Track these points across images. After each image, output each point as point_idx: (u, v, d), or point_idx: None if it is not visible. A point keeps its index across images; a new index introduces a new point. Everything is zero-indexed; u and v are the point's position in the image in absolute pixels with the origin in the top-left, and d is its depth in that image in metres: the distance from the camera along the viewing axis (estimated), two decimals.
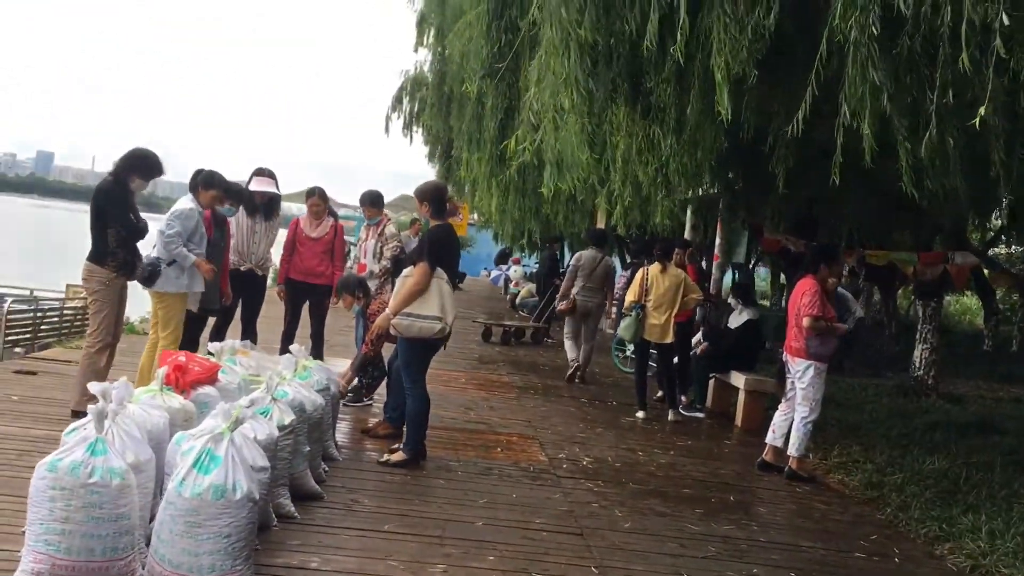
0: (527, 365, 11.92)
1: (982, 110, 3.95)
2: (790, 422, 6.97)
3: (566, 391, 10.02)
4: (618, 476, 6.46)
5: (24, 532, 3.49)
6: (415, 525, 4.82)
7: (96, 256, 6.12)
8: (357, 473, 5.69)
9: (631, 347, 11.59)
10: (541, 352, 13.49)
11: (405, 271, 5.97)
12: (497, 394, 9.31)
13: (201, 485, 3.55)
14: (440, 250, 5.92)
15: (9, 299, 10.88)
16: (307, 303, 8.28)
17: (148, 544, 3.64)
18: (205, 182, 6.64)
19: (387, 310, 5.97)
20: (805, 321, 6.77)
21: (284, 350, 7.22)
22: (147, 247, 6.39)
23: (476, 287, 28.98)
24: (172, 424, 4.24)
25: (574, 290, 10.60)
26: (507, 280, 24.90)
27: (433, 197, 6.09)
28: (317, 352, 7.84)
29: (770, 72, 5.65)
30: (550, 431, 7.73)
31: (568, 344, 10.89)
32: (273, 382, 4.70)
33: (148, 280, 6.22)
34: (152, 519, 3.73)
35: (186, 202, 6.55)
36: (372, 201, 8.21)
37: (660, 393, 9.43)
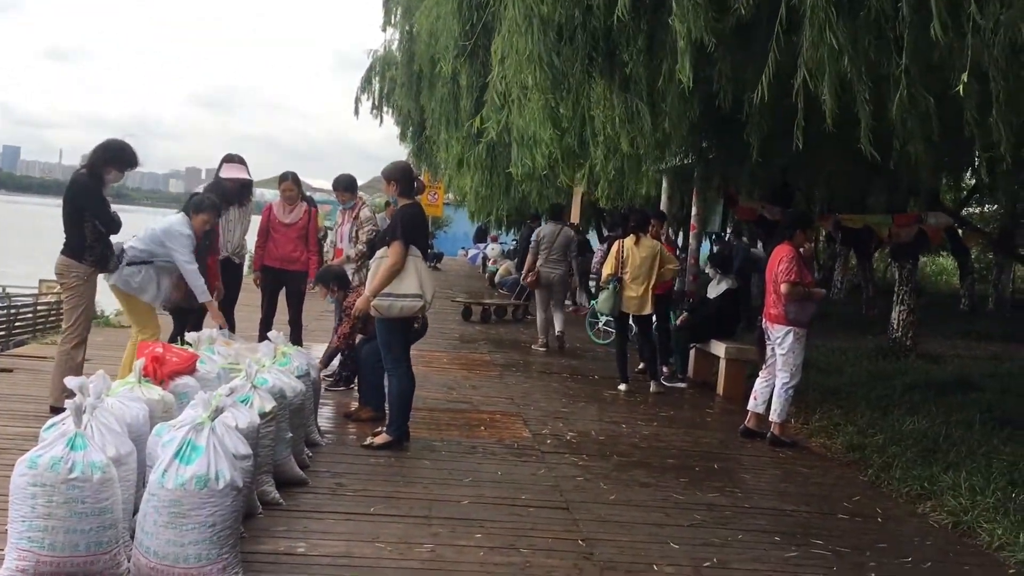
0: (508, 343, 11.93)
1: (964, 76, 3.96)
2: (771, 388, 7.03)
3: (548, 368, 10.04)
4: (602, 449, 6.49)
5: (7, 530, 3.46)
6: (401, 506, 4.83)
7: (72, 251, 6.03)
8: (341, 457, 5.69)
9: (604, 319, 11.73)
10: (522, 330, 13.49)
11: (379, 252, 5.92)
12: (479, 373, 9.31)
13: (184, 475, 3.53)
14: (413, 229, 5.89)
15: None
16: (284, 290, 8.23)
17: (133, 537, 3.62)
18: (196, 207, 6.51)
19: (365, 292, 5.93)
20: (783, 287, 6.81)
21: (262, 337, 7.17)
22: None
23: (454, 266, 28.95)
24: (152, 416, 4.21)
25: (538, 263, 11.10)
26: (485, 258, 24.86)
27: (401, 176, 6.04)
28: (296, 338, 7.81)
29: (741, 40, 5.65)
30: (533, 407, 7.75)
31: (540, 319, 11.35)
32: (252, 370, 4.67)
33: (111, 269, 6.12)
34: (136, 512, 3.71)
35: (183, 227, 6.34)
36: (346, 186, 8.15)
37: (641, 365, 9.47)
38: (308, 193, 8.80)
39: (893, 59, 4.37)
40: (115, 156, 6.14)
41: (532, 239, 11.53)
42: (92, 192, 6.05)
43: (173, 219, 6.43)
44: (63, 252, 6.07)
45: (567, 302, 17.69)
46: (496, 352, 10.91)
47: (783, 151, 7.79)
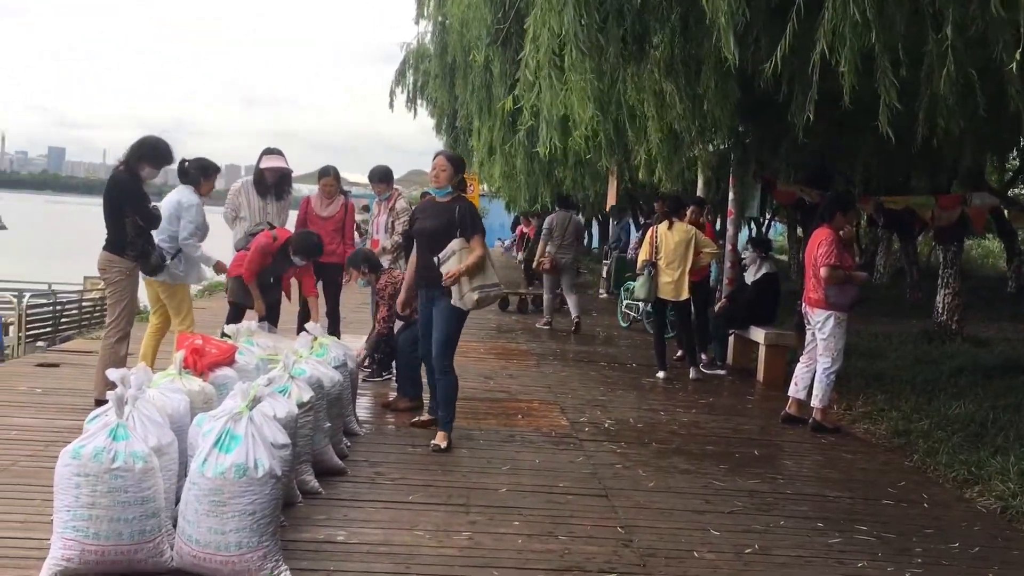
0: (545, 332, 11.90)
1: (1018, 54, 3.84)
2: (812, 374, 6.93)
3: (585, 356, 10.01)
4: (640, 436, 6.45)
5: (53, 520, 3.52)
6: (439, 495, 4.84)
7: (114, 246, 6.11)
8: (379, 447, 5.71)
9: (626, 302, 11.74)
10: (559, 318, 13.45)
11: (454, 245, 5.56)
12: (516, 362, 9.30)
13: (223, 464, 3.56)
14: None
15: (28, 295, 10.93)
16: (320, 282, 8.26)
17: (175, 525, 3.66)
18: (204, 172, 6.68)
19: (465, 289, 5.56)
20: (823, 271, 6.71)
21: (300, 329, 7.24)
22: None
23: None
24: (192, 406, 4.26)
25: (550, 248, 11.88)
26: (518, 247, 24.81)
27: (463, 167, 6.02)
28: (333, 329, 7.84)
29: (778, 19, 5.56)
30: (571, 396, 7.72)
31: (547, 300, 12.32)
32: (290, 360, 4.71)
33: (155, 269, 6.24)
34: (178, 501, 3.75)
35: (190, 195, 6.52)
36: (381, 177, 8.17)
37: (680, 352, 9.40)
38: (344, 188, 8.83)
39: (930, 35, 4.26)
40: (149, 153, 6.20)
41: (544, 227, 12.30)
42: (131, 188, 6.12)
43: (182, 193, 6.57)
44: (105, 248, 6.15)
45: (601, 290, 17.72)
46: (533, 342, 10.90)
47: (821, 133, 7.68)
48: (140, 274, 6.31)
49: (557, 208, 12.55)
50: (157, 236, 6.29)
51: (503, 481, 5.15)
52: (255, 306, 6.85)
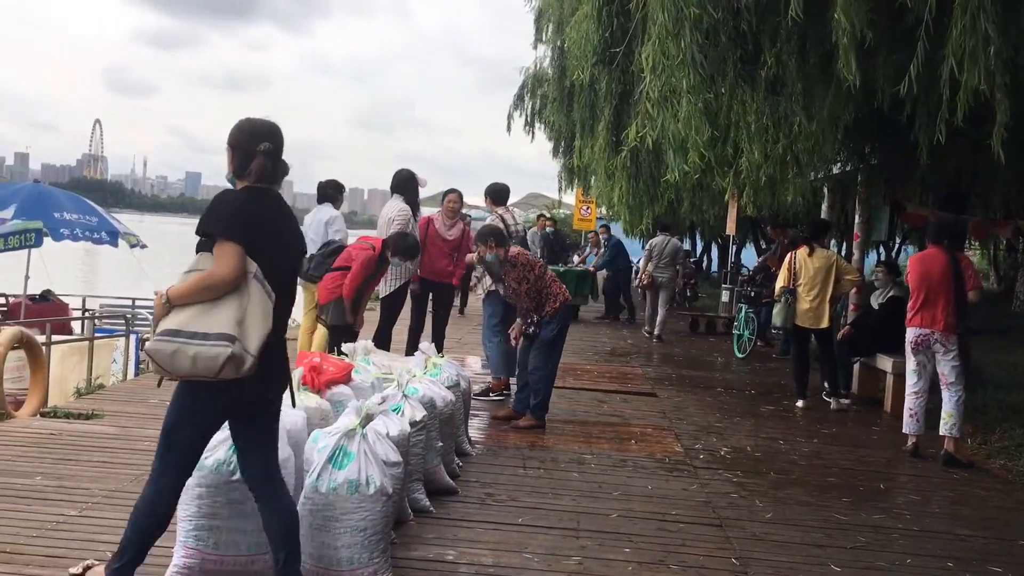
0: (661, 356, 11.74)
1: None
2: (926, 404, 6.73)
3: (702, 382, 9.81)
4: (758, 466, 6.26)
5: (176, 528, 3.66)
6: (549, 518, 4.80)
7: None
8: (490, 467, 5.72)
9: (747, 331, 11.51)
10: (675, 344, 13.27)
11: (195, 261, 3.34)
12: (630, 386, 9.19)
13: (336, 480, 3.63)
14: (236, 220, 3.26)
15: None
16: (431, 303, 8.37)
17: None
18: (337, 189, 8.13)
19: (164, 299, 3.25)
20: (973, 294, 6.51)
21: (412, 349, 7.39)
22: None
23: None
24: (309, 422, 4.36)
25: (649, 268, 13.38)
26: (636, 273, 24.64)
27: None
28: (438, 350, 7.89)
29: (902, 36, 5.36)
30: (685, 422, 7.57)
31: (648, 312, 13.71)
32: (404, 379, 4.78)
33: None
34: None
35: (331, 210, 7.99)
36: (488, 193, 8.27)
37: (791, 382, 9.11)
38: (463, 211, 8.99)
39: None
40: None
41: (645, 248, 13.90)
42: None
43: (324, 210, 8.09)
44: None
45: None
46: (648, 366, 10.76)
47: (955, 152, 7.33)
48: (300, 280, 6.72)
49: (658, 232, 13.85)
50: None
51: (614, 507, 5.08)
52: (356, 322, 6.99)
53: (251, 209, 3.27)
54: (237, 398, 3.24)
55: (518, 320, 6.90)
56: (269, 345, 3.19)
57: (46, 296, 13.16)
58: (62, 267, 14.62)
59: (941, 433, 6.59)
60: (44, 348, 7.80)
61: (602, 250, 16.59)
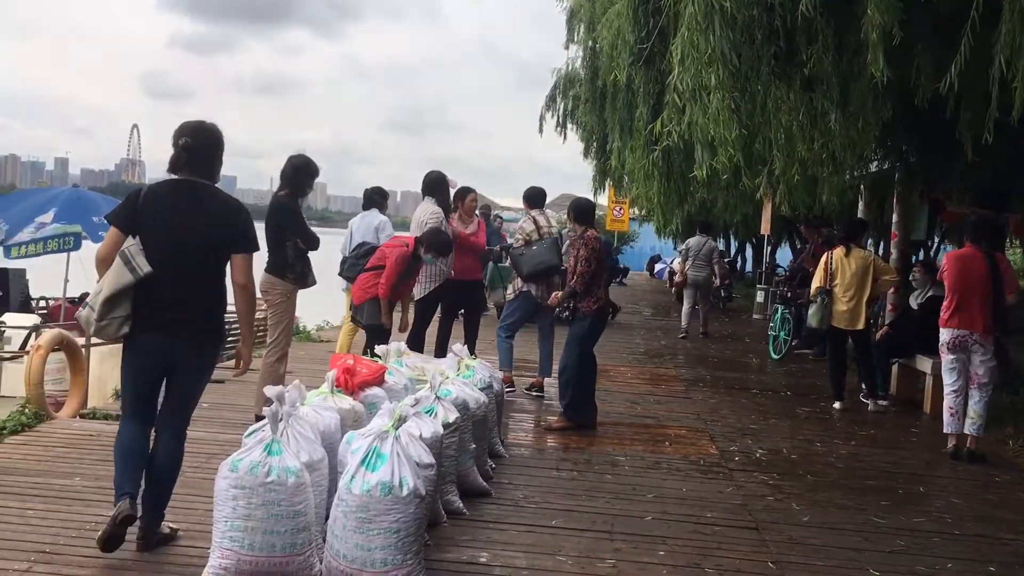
0: (695, 357, 11.66)
1: None
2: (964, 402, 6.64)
3: (737, 383, 9.72)
4: (794, 468, 6.19)
5: (213, 530, 3.69)
6: (583, 520, 4.78)
7: (276, 268, 6.39)
8: (524, 469, 5.71)
9: (783, 333, 11.39)
10: (710, 344, 13.18)
11: None
12: (664, 388, 9.14)
13: (369, 482, 3.64)
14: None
15: None
16: (463, 306, 8.39)
17: (325, 540, 3.77)
18: (383, 195, 8.44)
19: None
20: (1011, 297, 6.46)
21: (442, 352, 7.42)
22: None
23: (640, 281, 28.75)
24: (343, 424, 4.39)
25: (687, 267, 13.56)
26: (671, 273, 24.50)
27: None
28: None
29: (940, 32, 5.27)
30: (720, 423, 7.51)
31: (685, 310, 13.84)
32: (437, 381, 4.78)
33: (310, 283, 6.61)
34: (328, 516, 3.86)
35: (378, 215, 8.11)
36: (524, 198, 8.27)
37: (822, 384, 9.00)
38: (495, 212, 9.06)
39: None
40: (308, 171, 6.49)
41: (682, 248, 14.45)
42: (292, 212, 6.40)
43: (373, 216, 8.27)
44: (267, 270, 6.44)
45: (755, 315, 17.29)
46: (682, 367, 10.69)
47: (996, 150, 7.19)
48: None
49: (697, 232, 14.15)
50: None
51: (648, 509, 5.04)
52: (394, 321, 7.07)
53: (142, 199, 4.03)
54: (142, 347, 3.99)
55: (561, 292, 7.06)
56: (144, 299, 3.90)
57: (85, 299, 13.36)
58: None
59: (965, 431, 6.55)
60: (83, 350, 7.91)
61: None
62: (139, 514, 3.90)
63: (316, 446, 3.92)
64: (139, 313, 3.93)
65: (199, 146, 4.06)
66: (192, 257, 4.00)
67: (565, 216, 9.13)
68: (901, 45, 4.83)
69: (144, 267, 3.89)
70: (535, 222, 7.86)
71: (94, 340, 9.35)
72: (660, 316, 17.31)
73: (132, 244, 3.93)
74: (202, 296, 4.06)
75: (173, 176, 4.05)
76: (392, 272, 6.88)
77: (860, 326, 8.27)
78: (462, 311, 8.41)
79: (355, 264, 7.36)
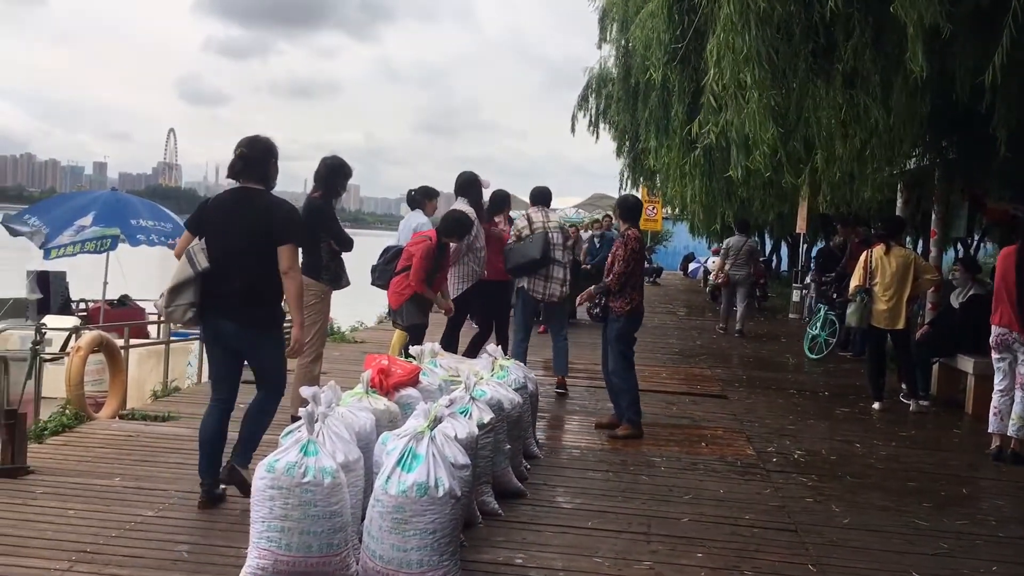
0: (730, 357, 11.56)
1: None
2: (1011, 403, 6.43)
3: (773, 383, 9.62)
4: (833, 469, 6.10)
5: (250, 529, 3.70)
6: (619, 521, 4.75)
7: (310, 270, 6.40)
8: (559, 470, 5.69)
9: (822, 332, 11.24)
10: (746, 343, 13.06)
11: None
12: (700, 388, 9.06)
13: (405, 483, 3.63)
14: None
15: None
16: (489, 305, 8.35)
17: (361, 540, 3.77)
18: (428, 195, 8.43)
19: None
20: None
21: (476, 352, 7.40)
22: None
23: (673, 281, 28.58)
24: (378, 425, 4.39)
25: (727, 267, 13.78)
26: (706, 272, 24.34)
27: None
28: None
29: (980, 26, 5.17)
30: (757, 424, 7.42)
31: (724, 307, 14.27)
32: (471, 382, 4.77)
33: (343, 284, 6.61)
34: (364, 517, 3.86)
35: (420, 216, 8.09)
36: (530, 196, 8.34)
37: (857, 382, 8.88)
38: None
39: None
40: (342, 172, 6.51)
41: (722, 247, 14.54)
42: (326, 214, 6.42)
43: (416, 216, 8.26)
44: (301, 272, 6.46)
45: (792, 315, 17.11)
46: (718, 367, 10.59)
47: None
48: None
49: (736, 232, 14.17)
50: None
51: (685, 510, 4.99)
52: (443, 304, 7.16)
53: (208, 206, 4.80)
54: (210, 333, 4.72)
55: (592, 288, 6.96)
56: (208, 291, 4.56)
57: (123, 301, 13.53)
58: (139, 273, 14.98)
59: (1009, 434, 6.42)
60: (122, 352, 8.00)
61: (586, 244, 15.58)
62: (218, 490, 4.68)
63: (352, 446, 3.92)
64: (205, 302, 4.59)
65: (253, 154, 4.70)
66: (245, 253, 4.57)
67: (597, 215, 9.07)
68: (940, 38, 4.74)
69: (202, 263, 4.55)
70: (528, 218, 7.91)
71: (132, 342, 9.50)
72: (695, 316, 17.19)
73: (196, 244, 4.62)
74: (255, 286, 4.59)
75: (234, 184, 4.72)
76: (420, 266, 6.85)
77: (900, 325, 8.14)
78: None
79: (384, 270, 7.30)
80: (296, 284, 4.67)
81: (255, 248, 4.57)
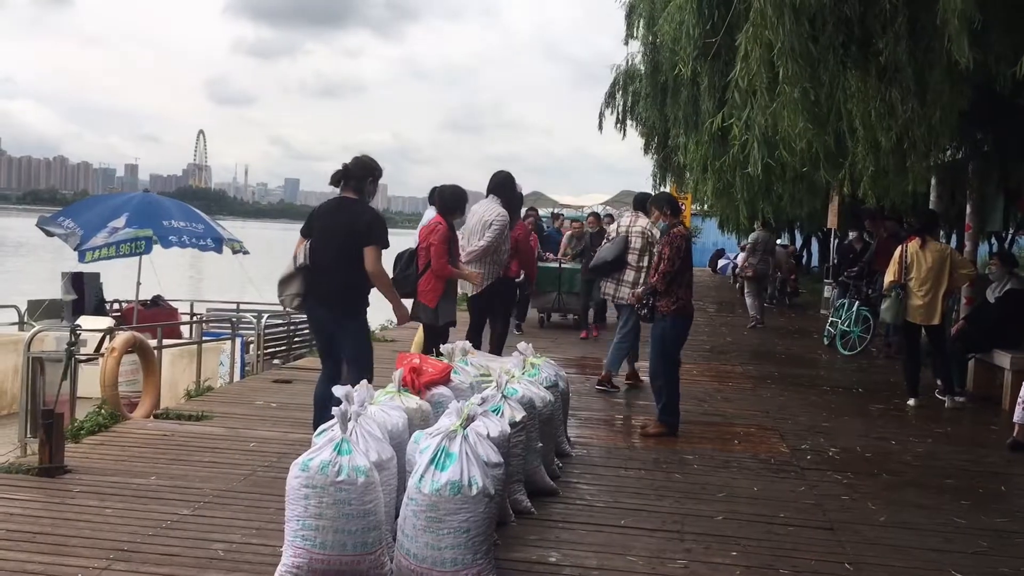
0: (763, 354, 11.47)
1: None
2: None
3: (806, 380, 9.53)
4: (869, 467, 6.03)
5: (285, 528, 3.72)
6: (653, 520, 4.72)
7: None
8: (591, 468, 5.67)
9: (855, 331, 11.13)
10: (776, 340, 12.95)
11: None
12: (731, 385, 9.00)
13: (439, 481, 3.63)
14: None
15: (266, 315, 11.77)
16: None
17: (395, 539, 3.78)
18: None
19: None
20: None
21: (499, 349, 7.40)
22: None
23: (703, 277, 28.42)
24: (410, 423, 4.39)
25: (753, 260, 14.65)
26: (735, 268, 24.18)
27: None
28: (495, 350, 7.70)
29: (1019, 17, 5.09)
30: (790, 421, 7.36)
31: (751, 302, 14.89)
32: (503, 380, 4.76)
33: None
34: (397, 515, 3.87)
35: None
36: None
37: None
38: (555, 210, 8.99)
39: None
40: (374, 171, 6.48)
41: (749, 242, 15.37)
42: None
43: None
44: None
45: (823, 310, 16.98)
46: (749, 364, 10.52)
47: None
48: None
49: (761, 228, 15.22)
50: None
51: (719, 509, 4.96)
52: (474, 278, 7.19)
53: (314, 213, 5.79)
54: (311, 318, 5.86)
55: (641, 289, 7.13)
56: (310, 284, 5.55)
57: (156, 302, 13.66)
58: (171, 273, 15.15)
59: None
60: (156, 352, 8.08)
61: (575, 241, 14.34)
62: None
63: (385, 445, 3.93)
64: (308, 293, 5.55)
65: (354, 168, 5.62)
66: (337, 253, 5.43)
67: (626, 212, 9.09)
68: (980, 28, 4.66)
69: (301, 260, 5.53)
70: (618, 222, 8.52)
71: (166, 342, 9.59)
72: (725, 312, 17.09)
73: (304, 244, 5.56)
74: (344, 281, 5.44)
75: (337, 192, 5.64)
76: (442, 250, 6.79)
77: (936, 321, 8.03)
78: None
79: (404, 276, 7.10)
80: (381, 279, 5.53)
81: (343, 248, 5.40)
